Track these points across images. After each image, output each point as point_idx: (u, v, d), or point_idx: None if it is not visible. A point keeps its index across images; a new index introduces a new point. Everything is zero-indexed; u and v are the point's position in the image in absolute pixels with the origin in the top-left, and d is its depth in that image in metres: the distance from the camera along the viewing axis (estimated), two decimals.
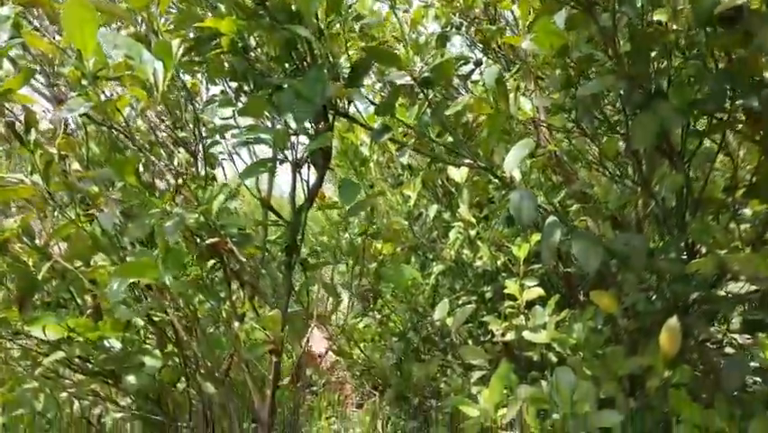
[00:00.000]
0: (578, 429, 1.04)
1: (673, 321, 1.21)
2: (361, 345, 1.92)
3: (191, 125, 1.25)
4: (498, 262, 1.59)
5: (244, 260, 1.05)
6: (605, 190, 1.28)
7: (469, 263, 1.67)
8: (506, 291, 1.48)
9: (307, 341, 2.03)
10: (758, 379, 1.75)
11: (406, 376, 1.57)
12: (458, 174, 1.37)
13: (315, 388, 2.47)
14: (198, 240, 1.07)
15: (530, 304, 1.51)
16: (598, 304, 1.38)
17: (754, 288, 1.49)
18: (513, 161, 1.17)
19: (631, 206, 1.45)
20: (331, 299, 1.98)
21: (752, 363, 1.79)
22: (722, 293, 1.54)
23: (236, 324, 1.05)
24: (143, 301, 1.21)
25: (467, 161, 1.16)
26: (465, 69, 1.79)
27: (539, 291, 1.44)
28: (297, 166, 1.07)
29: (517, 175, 1.51)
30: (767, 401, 1.39)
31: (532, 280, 1.54)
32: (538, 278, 1.65)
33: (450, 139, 1.24)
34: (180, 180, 1.11)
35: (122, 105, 1.13)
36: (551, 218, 1.14)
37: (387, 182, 1.90)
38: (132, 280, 1.08)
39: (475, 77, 1.84)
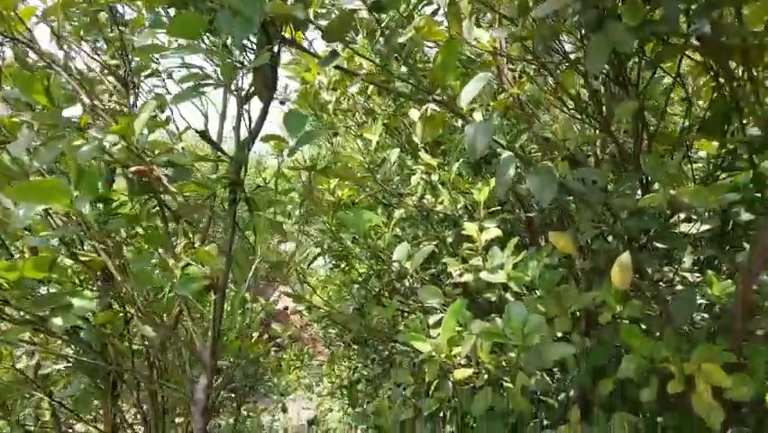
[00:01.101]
0: (531, 362, 1.06)
1: (625, 257, 1.22)
2: (325, 293, 1.91)
3: (120, 51, 1.17)
4: (459, 207, 1.58)
5: (175, 190, 0.99)
6: (564, 129, 1.27)
7: (430, 208, 1.66)
8: (464, 234, 1.48)
9: (278, 296, 2.00)
10: (705, 315, 1.81)
11: (368, 322, 1.58)
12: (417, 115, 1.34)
13: (282, 341, 2.48)
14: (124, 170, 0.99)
15: (490, 247, 1.51)
16: (556, 245, 1.40)
17: (705, 227, 1.53)
18: (469, 94, 1.13)
19: (591, 145, 1.45)
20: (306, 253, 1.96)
21: (700, 300, 1.86)
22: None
23: (171, 261, 1.01)
24: (58, 229, 1.11)
25: (427, 97, 1.12)
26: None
27: (497, 232, 1.44)
28: (242, 100, 1.01)
29: (478, 117, 1.49)
30: (710, 333, 1.44)
31: (492, 222, 1.54)
32: (500, 222, 1.65)
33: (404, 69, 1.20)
34: (97, 102, 1.04)
35: (26, 14, 1.03)
36: (505, 154, 1.12)
37: (349, 129, 1.85)
38: (44, 207, 0.99)
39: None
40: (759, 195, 1.34)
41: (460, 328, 1.18)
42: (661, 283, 1.78)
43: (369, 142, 1.69)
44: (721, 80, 1.16)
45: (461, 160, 1.62)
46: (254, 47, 0.98)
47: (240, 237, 1.18)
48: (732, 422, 1.34)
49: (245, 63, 1.04)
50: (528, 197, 1.91)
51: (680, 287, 1.72)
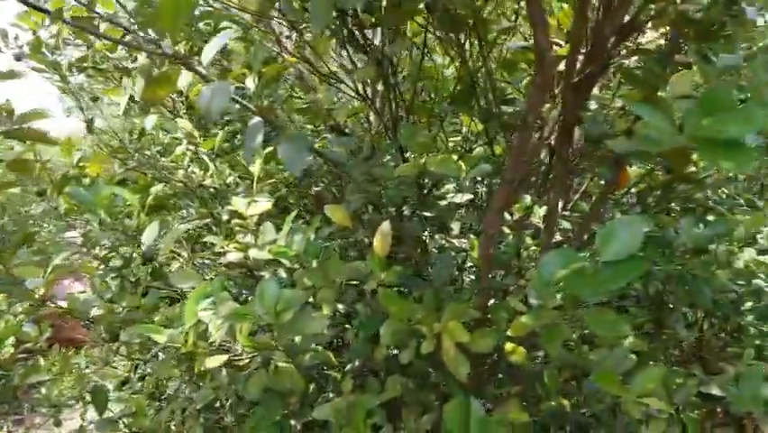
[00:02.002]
0: (284, 336, 1.00)
1: (385, 225, 1.24)
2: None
3: None
4: (230, 180, 1.46)
5: None
6: (328, 98, 1.23)
7: (199, 183, 1.50)
8: (231, 209, 1.36)
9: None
10: (473, 277, 1.97)
11: (124, 315, 1.38)
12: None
13: (38, 345, 2.09)
14: None
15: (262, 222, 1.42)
16: (332, 217, 1.36)
17: (469, 196, 1.64)
18: (210, 52, 1.01)
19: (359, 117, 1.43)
20: None
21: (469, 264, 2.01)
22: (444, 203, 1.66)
23: None
24: None
25: (156, 50, 0.96)
26: None
27: (266, 206, 1.35)
28: None
29: (251, 85, 1.37)
30: (471, 292, 1.57)
31: (265, 197, 1.45)
32: (277, 197, 1.56)
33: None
34: None
35: None
36: (254, 120, 1.02)
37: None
38: None
39: None
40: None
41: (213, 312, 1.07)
42: (434, 249, 1.89)
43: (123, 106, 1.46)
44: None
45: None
46: None
47: None
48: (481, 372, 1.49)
49: None
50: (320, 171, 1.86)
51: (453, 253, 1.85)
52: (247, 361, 1.32)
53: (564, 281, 0.78)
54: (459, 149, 1.56)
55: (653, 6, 0.89)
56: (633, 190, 2.04)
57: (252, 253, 1.34)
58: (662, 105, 0.90)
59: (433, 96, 1.41)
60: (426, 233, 1.90)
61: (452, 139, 1.58)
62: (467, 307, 1.20)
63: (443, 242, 1.87)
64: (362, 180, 1.28)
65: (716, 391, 1.37)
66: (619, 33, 0.91)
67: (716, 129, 0.72)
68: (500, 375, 1.64)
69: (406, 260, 1.61)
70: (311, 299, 1.31)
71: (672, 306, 1.64)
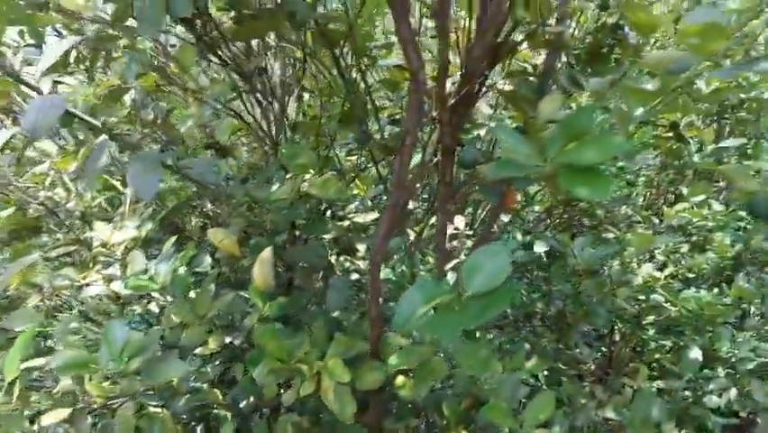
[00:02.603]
0: (131, 389, 0.87)
1: (265, 253, 1.14)
2: None
3: None
4: (96, 203, 1.31)
5: None
6: (197, 114, 1.12)
7: (62, 205, 1.33)
8: (94, 235, 1.21)
9: None
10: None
11: None
12: None
13: None
14: None
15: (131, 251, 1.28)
16: (215, 242, 1.24)
17: (374, 215, 1.57)
18: (46, 61, 0.88)
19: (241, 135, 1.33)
20: None
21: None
22: (346, 224, 1.58)
23: None
24: None
25: None
26: None
27: (132, 233, 1.21)
28: None
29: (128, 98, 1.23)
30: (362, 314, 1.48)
31: (137, 221, 1.31)
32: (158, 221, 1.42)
33: None
34: None
35: None
36: (100, 138, 0.90)
37: None
38: None
39: None
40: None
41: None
42: (339, 273, 1.80)
43: None
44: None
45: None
46: None
47: None
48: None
49: None
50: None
51: (355, 276, 1.77)
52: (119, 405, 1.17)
53: (427, 319, 0.72)
54: (358, 168, 1.49)
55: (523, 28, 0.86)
56: (537, 209, 2.06)
57: (115, 286, 1.19)
58: (534, 129, 0.87)
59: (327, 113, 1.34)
60: (336, 257, 1.82)
61: (350, 158, 1.51)
62: (353, 340, 1.12)
63: (348, 264, 1.79)
64: (244, 203, 1.18)
65: (611, 414, 1.37)
66: (493, 54, 0.87)
67: (575, 155, 0.68)
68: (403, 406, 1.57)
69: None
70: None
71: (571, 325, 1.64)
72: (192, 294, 1.18)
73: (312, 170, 1.07)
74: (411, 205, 1.48)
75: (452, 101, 0.91)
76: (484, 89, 0.94)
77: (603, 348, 2.34)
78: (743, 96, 2.19)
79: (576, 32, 1.59)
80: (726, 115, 2.45)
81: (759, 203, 0.61)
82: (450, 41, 0.75)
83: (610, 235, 1.97)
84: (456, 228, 1.86)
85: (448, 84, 0.98)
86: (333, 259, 1.80)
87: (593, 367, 2.41)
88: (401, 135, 0.95)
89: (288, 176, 1.06)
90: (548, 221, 1.94)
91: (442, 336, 0.67)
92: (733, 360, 1.86)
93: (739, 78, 1.99)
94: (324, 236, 1.54)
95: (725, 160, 2.85)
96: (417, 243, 1.21)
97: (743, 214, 2.36)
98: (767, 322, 2.29)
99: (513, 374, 1.38)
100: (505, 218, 2.07)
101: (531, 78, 0.96)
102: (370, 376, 1.09)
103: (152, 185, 0.89)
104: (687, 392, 1.68)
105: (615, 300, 1.69)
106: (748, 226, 2.34)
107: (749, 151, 2.33)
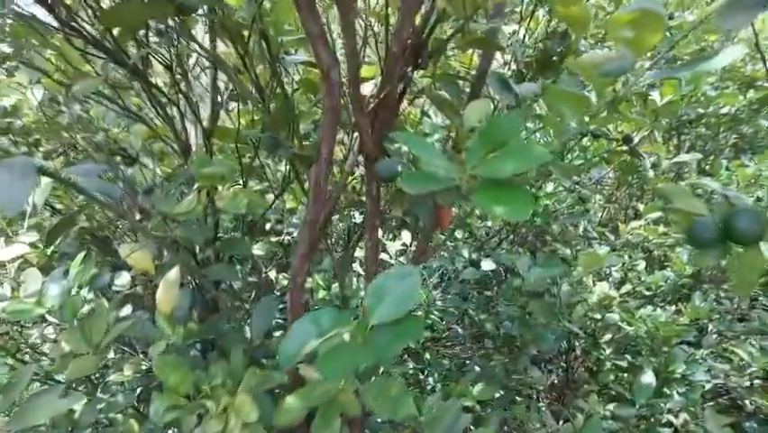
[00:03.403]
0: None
1: (171, 274, 1.01)
2: None
3: None
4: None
5: None
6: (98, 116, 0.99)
7: None
8: None
9: None
10: None
11: None
12: None
13: None
14: None
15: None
16: (130, 261, 1.11)
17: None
18: None
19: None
20: None
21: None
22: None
23: None
24: None
25: None
26: None
27: (22, 249, 1.07)
28: None
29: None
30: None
31: (34, 236, 1.16)
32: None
33: None
34: None
35: None
36: None
37: None
38: None
39: None
40: None
41: None
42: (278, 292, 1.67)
43: None
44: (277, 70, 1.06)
45: None
46: None
47: None
48: None
49: None
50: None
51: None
52: None
53: (319, 356, 0.61)
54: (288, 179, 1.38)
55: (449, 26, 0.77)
56: (490, 224, 1.98)
57: (5, 306, 1.05)
58: (461, 138, 0.77)
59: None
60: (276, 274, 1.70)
61: (281, 168, 1.40)
62: (271, 372, 1.00)
63: (287, 282, 1.67)
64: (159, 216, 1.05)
65: None
66: (415, 53, 0.78)
67: (493, 166, 0.59)
68: None
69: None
70: None
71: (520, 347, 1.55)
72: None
73: (224, 181, 0.95)
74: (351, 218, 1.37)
75: (373, 105, 0.81)
76: (404, 92, 0.84)
77: (562, 365, 2.26)
78: (701, 110, 2.17)
79: (526, 39, 1.53)
80: (686, 131, 2.43)
81: (698, 230, 0.52)
82: (354, 32, 0.65)
83: (567, 251, 1.90)
84: (404, 244, 1.76)
85: (370, 86, 0.88)
86: (272, 276, 1.68)
87: (549, 386, 2.33)
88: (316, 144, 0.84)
89: (195, 187, 0.94)
90: (500, 237, 1.86)
91: (332, 375, 0.56)
92: (687, 383, 1.80)
93: (698, 93, 1.96)
94: (258, 252, 1.42)
95: (685, 175, 2.84)
96: (346, 262, 1.10)
97: None
98: (723, 340, 2.26)
99: (455, 403, 1.28)
100: (458, 233, 1.98)
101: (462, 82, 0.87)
102: (289, 412, 0.97)
103: (19, 197, 0.76)
104: (642, 414, 1.61)
105: (570, 319, 1.62)
106: None
107: (707, 167, 2.31)
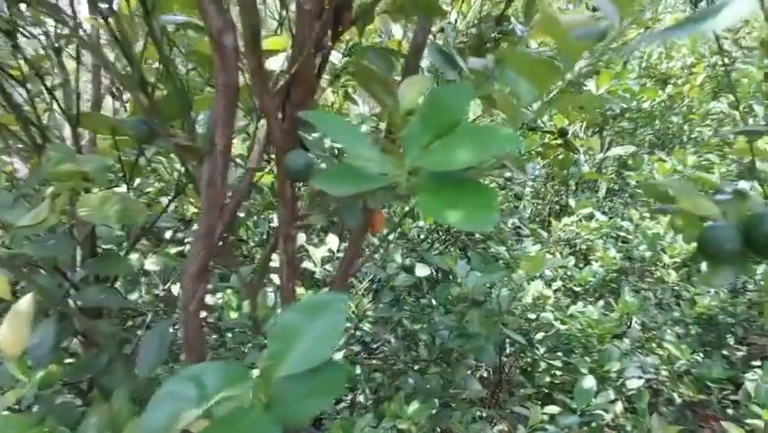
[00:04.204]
0: None
1: (22, 304, 0.78)
2: None
3: None
4: None
5: None
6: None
7: None
8: None
9: None
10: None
11: None
12: None
13: None
14: None
15: None
16: None
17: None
18: None
19: None
20: None
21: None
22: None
23: None
24: None
25: None
26: None
27: None
28: None
29: None
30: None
31: None
32: None
33: None
34: None
35: None
36: None
37: None
38: None
39: None
40: None
41: None
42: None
43: None
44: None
45: None
46: None
47: None
48: None
49: None
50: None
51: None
52: None
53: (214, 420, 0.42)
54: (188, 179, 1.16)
55: None
56: (422, 224, 1.85)
57: None
58: (396, 123, 0.61)
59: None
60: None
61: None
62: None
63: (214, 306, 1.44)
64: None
65: None
66: (336, 19, 0.62)
67: (440, 157, 0.43)
68: None
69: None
70: None
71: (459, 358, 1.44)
72: None
73: (91, 183, 0.74)
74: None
75: (283, 82, 0.63)
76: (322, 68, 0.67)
77: (495, 362, 2.19)
78: (624, 105, 2.17)
79: (459, 24, 1.40)
80: (608, 126, 2.44)
81: (714, 239, 0.40)
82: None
83: (502, 248, 1.82)
84: (330, 250, 1.58)
85: (280, 60, 0.70)
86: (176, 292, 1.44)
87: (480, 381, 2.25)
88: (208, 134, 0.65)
89: (49, 191, 0.72)
90: (432, 238, 1.74)
91: None
92: (620, 379, 1.78)
93: (623, 87, 1.95)
94: (153, 267, 1.19)
95: (603, 171, 2.88)
96: (259, 276, 0.91)
97: (624, 224, 2.36)
98: (647, 332, 2.28)
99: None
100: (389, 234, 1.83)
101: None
102: None
103: None
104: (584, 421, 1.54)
105: (506, 322, 1.52)
106: (629, 237, 2.34)
107: (629, 162, 2.33)
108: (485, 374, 2.28)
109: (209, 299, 1.36)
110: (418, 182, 0.44)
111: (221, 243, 0.75)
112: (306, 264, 1.42)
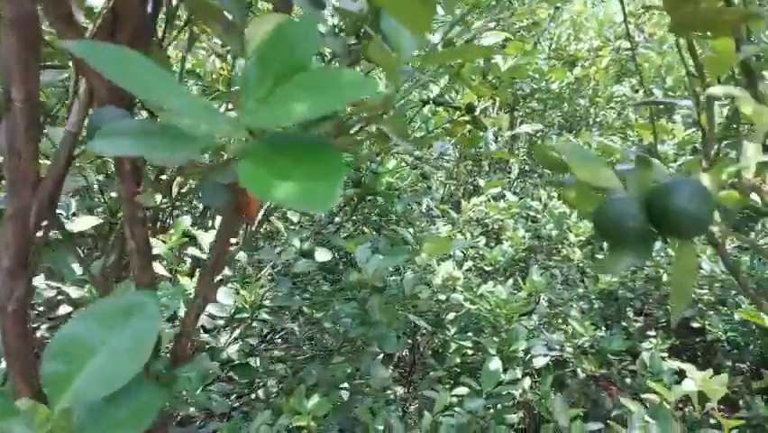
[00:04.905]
0: None
1: None
2: None
3: None
4: None
5: None
6: None
7: None
8: None
9: None
10: None
11: None
12: None
13: None
14: None
15: None
16: None
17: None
18: None
19: None
20: None
21: None
22: None
23: None
24: None
25: None
26: None
27: None
28: None
29: None
30: None
31: None
32: None
33: None
34: None
35: None
36: None
37: None
38: None
39: None
40: None
41: None
42: None
43: None
44: None
45: None
46: None
47: None
48: None
49: None
50: None
51: None
52: None
53: None
54: None
55: None
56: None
57: None
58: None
59: None
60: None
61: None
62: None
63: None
64: None
65: None
66: None
67: (274, 110, 0.32)
68: None
69: None
70: None
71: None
72: None
73: None
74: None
75: (104, 19, 0.49)
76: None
77: (408, 342, 2.15)
78: (534, 86, 2.17)
79: None
80: (518, 106, 2.45)
81: (613, 214, 0.33)
82: None
83: (411, 230, 1.76)
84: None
85: None
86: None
87: (394, 365, 2.22)
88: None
89: None
90: (342, 219, 1.63)
91: None
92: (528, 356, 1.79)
93: (533, 67, 1.93)
94: None
95: (516, 152, 2.91)
96: (112, 268, 0.76)
97: (534, 204, 2.39)
98: (553, 309, 2.34)
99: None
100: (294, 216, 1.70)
101: None
102: None
103: None
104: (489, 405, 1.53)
105: (416, 305, 1.46)
106: (538, 216, 2.37)
107: (538, 141, 2.36)
108: (402, 354, 2.24)
109: (74, 293, 1.18)
110: (247, 146, 0.33)
111: (42, 229, 0.60)
112: (192, 250, 1.27)
